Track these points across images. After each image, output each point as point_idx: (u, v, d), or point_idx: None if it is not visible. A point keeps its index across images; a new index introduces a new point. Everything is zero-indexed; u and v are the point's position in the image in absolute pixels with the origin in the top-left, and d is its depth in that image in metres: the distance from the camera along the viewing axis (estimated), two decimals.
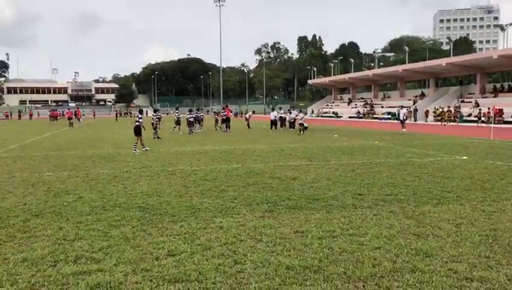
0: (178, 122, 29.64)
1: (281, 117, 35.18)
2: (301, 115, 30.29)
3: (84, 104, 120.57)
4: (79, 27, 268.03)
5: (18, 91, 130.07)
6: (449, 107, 44.82)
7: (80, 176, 11.26)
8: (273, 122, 33.99)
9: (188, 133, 28.14)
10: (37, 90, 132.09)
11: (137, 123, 17.66)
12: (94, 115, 78.23)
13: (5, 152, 17.91)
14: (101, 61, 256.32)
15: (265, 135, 27.06)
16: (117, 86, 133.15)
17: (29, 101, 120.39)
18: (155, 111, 27.72)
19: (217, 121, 36.03)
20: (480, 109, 39.75)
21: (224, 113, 33.84)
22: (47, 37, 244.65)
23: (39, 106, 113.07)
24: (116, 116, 66.62)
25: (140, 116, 18.11)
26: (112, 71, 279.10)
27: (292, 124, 32.62)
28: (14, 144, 21.58)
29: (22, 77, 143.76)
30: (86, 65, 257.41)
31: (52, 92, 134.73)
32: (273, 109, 37.34)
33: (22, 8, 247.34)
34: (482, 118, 37.41)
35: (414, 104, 53.17)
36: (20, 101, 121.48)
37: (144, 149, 17.52)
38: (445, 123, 40.90)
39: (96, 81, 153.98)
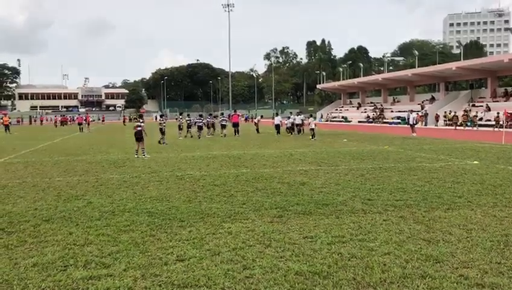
0: (180, 128, 30.24)
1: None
2: (311, 119, 30.26)
3: (94, 109, 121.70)
4: (89, 33, 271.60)
5: (29, 97, 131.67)
6: (465, 111, 44.26)
7: (90, 181, 11.33)
8: (278, 127, 34.10)
9: (198, 137, 28.93)
10: (48, 96, 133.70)
11: (138, 128, 17.35)
12: (103, 120, 78.84)
13: (16, 157, 18.10)
14: (111, 67, 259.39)
15: (274, 140, 27.05)
16: (127, 91, 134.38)
17: (39, 106, 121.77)
18: (161, 116, 28.14)
19: (213, 125, 33.75)
20: (498, 113, 39.17)
21: (224, 118, 34.09)
22: (57, 43, 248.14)
23: (49, 111, 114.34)
24: (124, 122, 66.87)
25: (141, 120, 18.16)
26: (122, 76, 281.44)
27: (292, 129, 32.75)
28: (25, 150, 21.79)
29: (32, 82, 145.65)
30: (96, 71, 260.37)
31: (62, 97, 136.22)
32: (277, 114, 37.61)
33: (33, 15, 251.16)
34: (500, 122, 36.56)
35: (422, 108, 52.79)
36: (31, 106, 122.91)
37: (136, 156, 17.04)
38: (458, 127, 40.33)
39: (106, 86, 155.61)
